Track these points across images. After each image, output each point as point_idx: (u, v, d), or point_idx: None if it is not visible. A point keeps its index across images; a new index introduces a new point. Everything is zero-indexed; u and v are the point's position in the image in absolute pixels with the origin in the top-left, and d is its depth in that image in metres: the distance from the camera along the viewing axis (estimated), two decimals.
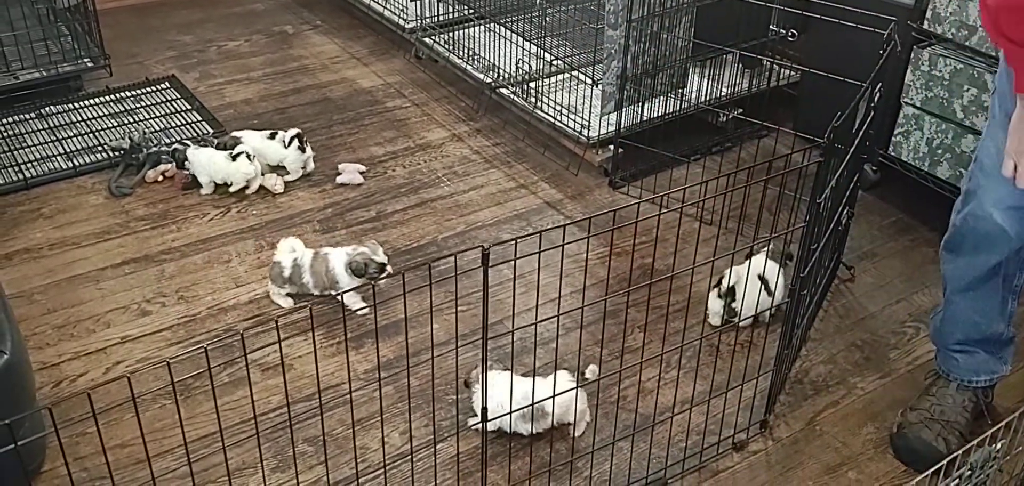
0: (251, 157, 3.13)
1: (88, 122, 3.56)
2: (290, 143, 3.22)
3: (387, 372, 2.45)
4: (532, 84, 3.53)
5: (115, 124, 3.54)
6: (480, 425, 2.05)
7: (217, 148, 3.18)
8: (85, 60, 3.76)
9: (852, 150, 2.24)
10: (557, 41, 3.79)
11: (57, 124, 3.53)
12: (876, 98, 2.37)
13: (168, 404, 2.29)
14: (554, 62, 3.69)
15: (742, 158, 3.44)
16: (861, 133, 2.31)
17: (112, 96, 3.75)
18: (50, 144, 3.40)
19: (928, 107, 2.95)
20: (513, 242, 1.70)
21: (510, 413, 2.12)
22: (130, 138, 3.29)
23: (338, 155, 3.44)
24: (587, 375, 2.09)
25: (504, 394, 2.04)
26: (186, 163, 3.16)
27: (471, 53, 3.79)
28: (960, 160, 2.88)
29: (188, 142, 3.27)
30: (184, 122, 3.58)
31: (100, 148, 3.37)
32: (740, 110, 3.43)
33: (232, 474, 2.12)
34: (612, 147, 3.26)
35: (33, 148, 3.37)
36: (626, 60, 3.19)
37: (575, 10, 3.86)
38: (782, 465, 2.25)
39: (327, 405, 2.31)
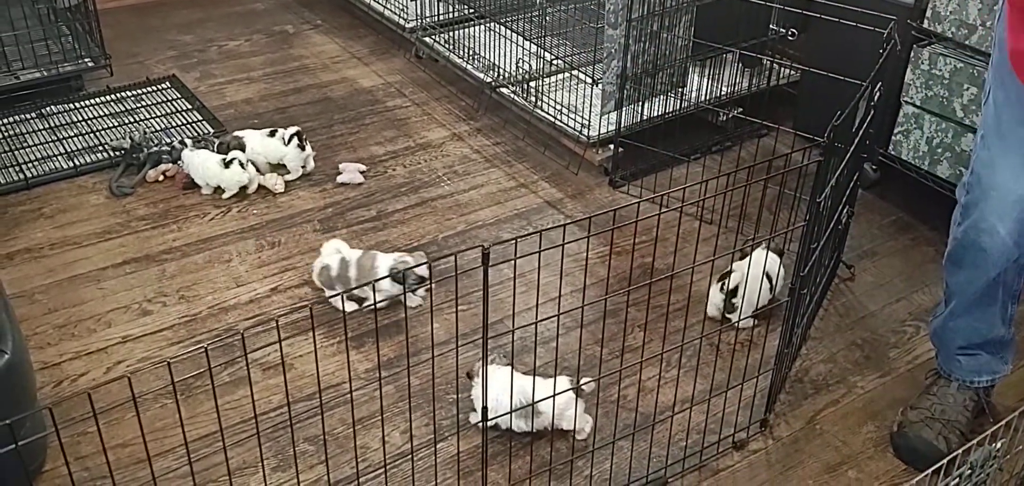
0: (244, 164, 3.13)
1: (89, 122, 3.56)
2: (290, 140, 3.22)
3: (387, 371, 2.45)
4: (532, 83, 3.53)
5: (116, 124, 3.54)
6: (481, 424, 2.05)
7: (219, 147, 3.18)
8: (86, 60, 3.76)
9: (852, 149, 2.24)
10: (557, 40, 3.78)
11: (58, 124, 3.54)
12: (876, 97, 2.37)
13: (169, 404, 2.29)
14: (554, 61, 3.69)
15: (742, 157, 3.44)
16: (861, 132, 2.31)
17: (113, 96, 3.75)
18: (51, 144, 3.40)
19: (928, 106, 2.95)
20: (513, 241, 1.71)
21: (510, 413, 2.12)
22: (131, 138, 3.29)
23: (338, 154, 3.44)
24: (584, 388, 2.10)
25: (504, 392, 2.04)
26: (180, 163, 3.17)
27: (471, 52, 3.79)
28: (960, 159, 2.88)
29: (186, 142, 3.27)
30: (185, 122, 3.59)
31: (101, 148, 3.37)
32: (740, 109, 3.43)
33: (233, 473, 2.12)
34: (612, 146, 3.26)
35: (34, 148, 3.38)
36: (626, 59, 3.19)
37: (575, 9, 3.86)
38: (782, 464, 2.25)
39: (328, 404, 2.32)
